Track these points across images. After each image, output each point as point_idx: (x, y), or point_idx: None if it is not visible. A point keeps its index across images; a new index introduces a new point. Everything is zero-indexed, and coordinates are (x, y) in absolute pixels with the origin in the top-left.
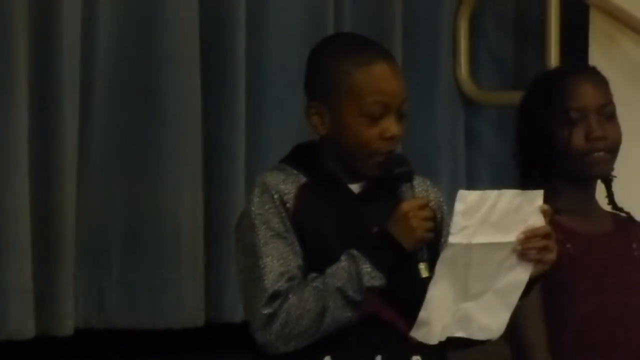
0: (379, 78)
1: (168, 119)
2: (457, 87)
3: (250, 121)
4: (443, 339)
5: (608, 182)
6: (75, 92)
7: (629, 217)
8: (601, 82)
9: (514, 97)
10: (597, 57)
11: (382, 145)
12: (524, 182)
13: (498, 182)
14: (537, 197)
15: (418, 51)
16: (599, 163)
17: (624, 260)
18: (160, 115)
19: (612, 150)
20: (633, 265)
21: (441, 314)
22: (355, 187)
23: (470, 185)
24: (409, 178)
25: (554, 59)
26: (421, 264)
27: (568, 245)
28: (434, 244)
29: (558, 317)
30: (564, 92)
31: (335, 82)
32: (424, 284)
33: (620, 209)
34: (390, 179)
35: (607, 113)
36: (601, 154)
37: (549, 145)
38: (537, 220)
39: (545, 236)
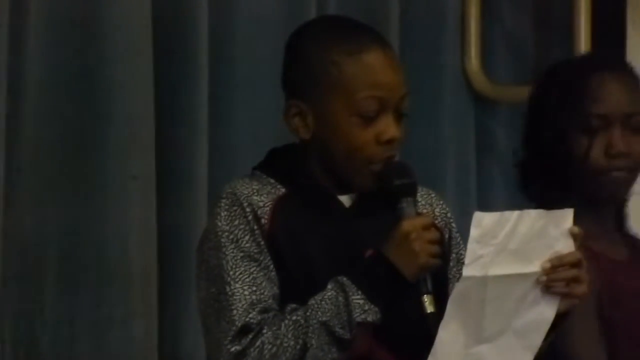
0: (373, 69)
1: (113, 120)
2: (466, 80)
3: (215, 121)
4: None
5: (621, 204)
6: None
7: None
8: (633, 86)
9: None
10: (636, 45)
11: (379, 150)
12: (528, 193)
13: (516, 196)
14: (565, 218)
15: (419, 37)
16: (616, 184)
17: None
18: (103, 115)
19: (635, 169)
20: None
21: None
22: (345, 200)
23: (482, 199)
24: (411, 191)
25: (584, 46)
26: (425, 296)
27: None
28: (440, 271)
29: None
30: (586, 92)
31: (320, 75)
32: (428, 320)
33: (631, 233)
34: (389, 192)
35: (634, 124)
36: (621, 173)
37: (559, 155)
38: (565, 246)
39: (575, 264)
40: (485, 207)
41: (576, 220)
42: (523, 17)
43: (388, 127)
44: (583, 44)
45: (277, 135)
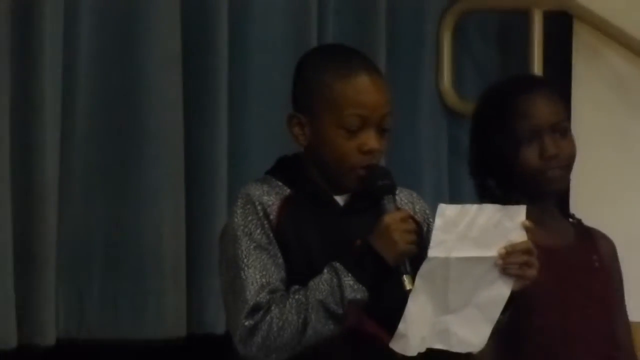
0: (359, 90)
1: (149, 130)
2: (440, 98)
3: (233, 133)
4: (422, 350)
5: (561, 196)
6: (57, 104)
7: (587, 228)
8: (554, 98)
9: None
10: (580, 69)
11: (361, 159)
12: (481, 195)
13: None
14: (518, 213)
15: (402, 62)
16: (554, 180)
17: (585, 273)
18: (141, 126)
19: (567, 166)
20: (593, 277)
21: (419, 327)
22: (341, 199)
23: (454, 198)
24: (391, 190)
25: (537, 70)
26: (404, 276)
27: None
28: (419, 256)
29: (518, 330)
30: (516, 112)
31: (316, 93)
32: (407, 296)
33: (576, 219)
34: (372, 192)
35: (561, 129)
36: (556, 171)
37: (502, 163)
38: (519, 236)
39: (527, 252)
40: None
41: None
42: (488, 46)
43: (369, 139)
44: (536, 67)
45: (286, 144)
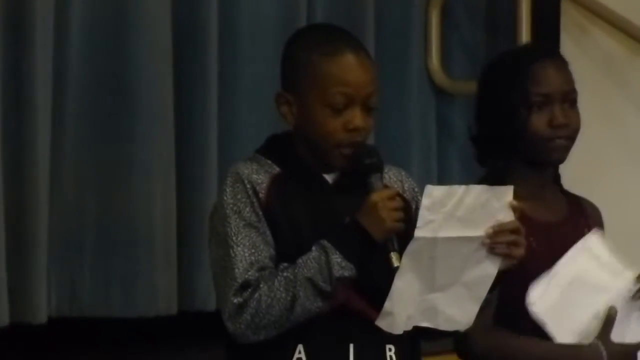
0: (344, 69)
1: (140, 112)
2: (428, 77)
3: (223, 113)
4: (408, 328)
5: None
6: (47, 87)
7: (580, 200)
8: (566, 68)
9: None
10: (568, 47)
11: (346, 136)
12: (482, 161)
13: (469, 172)
14: (506, 193)
15: (390, 41)
16: (558, 149)
17: None
18: (132, 107)
19: (573, 137)
20: None
21: (406, 305)
22: (329, 177)
23: (442, 175)
24: (378, 169)
25: None
26: (392, 253)
27: (531, 239)
28: (406, 233)
29: (516, 308)
30: (530, 77)
31: (303, 72)
32: (394, 273)
33: (571, 194)
34: (360, 170)
35: (571, 100)
36: (562, 140)
37: (510, 127)
38: (506, 216)
39: (514, 231)
40: (444, 183)
41: (514, 181)
42: (476, 24)
43: (354, 117)
44: None
45: (274, 125)
